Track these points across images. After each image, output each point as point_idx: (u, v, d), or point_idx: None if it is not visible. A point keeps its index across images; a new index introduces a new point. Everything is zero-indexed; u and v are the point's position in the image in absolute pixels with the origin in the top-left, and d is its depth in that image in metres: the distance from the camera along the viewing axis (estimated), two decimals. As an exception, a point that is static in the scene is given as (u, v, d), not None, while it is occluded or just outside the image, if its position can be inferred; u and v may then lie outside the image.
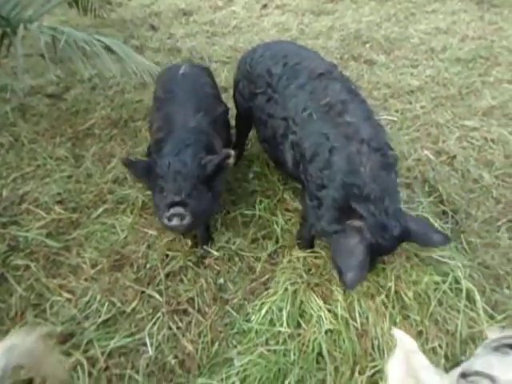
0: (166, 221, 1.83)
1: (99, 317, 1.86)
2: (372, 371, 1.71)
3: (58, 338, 1.72)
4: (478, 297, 1.95)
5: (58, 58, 3.21)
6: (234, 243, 2.22)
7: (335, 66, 2.20)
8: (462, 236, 2.31)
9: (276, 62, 2.19)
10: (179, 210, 1.81)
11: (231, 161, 1.94)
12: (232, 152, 1.92)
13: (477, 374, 0.94)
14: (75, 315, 1.86)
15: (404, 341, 1.07)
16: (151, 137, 2.23)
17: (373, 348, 1.80)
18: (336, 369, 1.73)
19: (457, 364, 1.20)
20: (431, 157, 2.85)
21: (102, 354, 1.72)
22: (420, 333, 1.86)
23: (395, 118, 3.24)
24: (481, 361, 0.99)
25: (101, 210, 2.35)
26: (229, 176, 2.57)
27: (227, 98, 3.40)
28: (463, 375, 0.96)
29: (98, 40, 2.51)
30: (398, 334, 1.09)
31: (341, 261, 1.70)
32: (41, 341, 1.29)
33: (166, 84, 2.36)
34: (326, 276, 2.06)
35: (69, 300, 1.92)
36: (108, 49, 2.53)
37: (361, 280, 1.64)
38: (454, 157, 2.86)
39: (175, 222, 1.81)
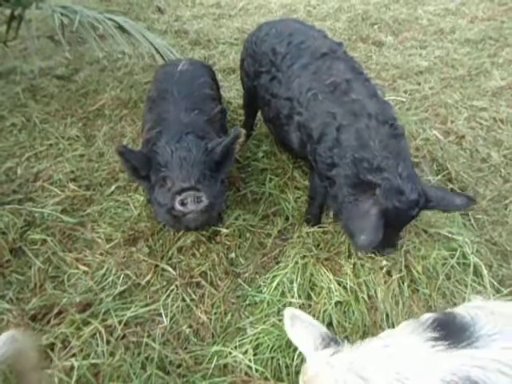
0: (178, 206, 1.62)
1: (115, 288, 1.91)
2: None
3: (77, 306, 1.77)
4: (485, 271, 1.99)
5: (66, 40, 3.22)
6: (245, 220, 2.25)
7: (340, 44, 2.18)
8: (470, 213, 2.34)
9: (281, 41, 2.19)
10: (193, 192, 1.62)
11: (242, 140, 1.80)
12: (243, 130, 1.81)
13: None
14: (92, 287, 1.91)
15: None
16: (142, 139, 2.06)
17: (382, 320, 1.85)
18: (346, 338, 1.77)
19: None
20: (440, 137, 2.86)
21: (119, 323, 1.77)
22: (429, 306, 1.90)
23: (404, 99, 3.23)
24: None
25: (113, 187, 2.39)
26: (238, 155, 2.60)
27: (235, 80, 3.43)
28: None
29: (110, 19, 2.49)
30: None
31: (353, 224, 1.71)
32: (35, 349, 1.32)
33: (160, 83, 2.22)
34: (334, 250, 2.09)
35: (85, 273, 1.97)
36: (120, 28, 2.52)
37: (373, 243, 1.62)
38: (463, 136, 2.86)
39: (190, 205, 1.62)
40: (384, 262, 2.00)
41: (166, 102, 2.03)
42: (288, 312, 1.22)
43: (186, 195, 1.62)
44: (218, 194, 1.79)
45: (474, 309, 1.07)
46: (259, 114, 2.72)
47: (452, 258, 2.04)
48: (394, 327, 1.80)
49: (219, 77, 3.30)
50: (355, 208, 1.72)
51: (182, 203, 1.63)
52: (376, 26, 4.42)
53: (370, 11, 4.70)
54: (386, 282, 1.95)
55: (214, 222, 2.06)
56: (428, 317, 1.05)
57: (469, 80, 3.53)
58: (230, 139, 1.76)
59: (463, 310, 1.07)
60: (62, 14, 2.45)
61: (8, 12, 2.81)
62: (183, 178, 1.64)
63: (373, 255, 1.99)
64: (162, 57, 2.77)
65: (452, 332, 0.96)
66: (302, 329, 1.18)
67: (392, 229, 1.72)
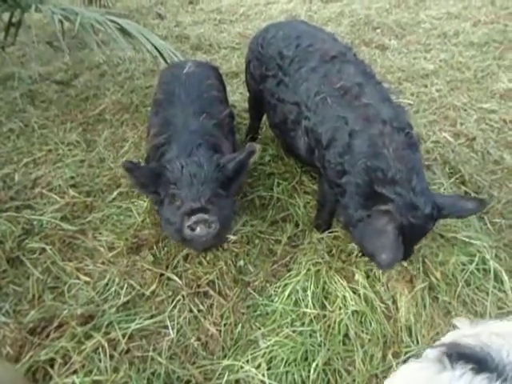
0: (187, 231, 1.53)
1: (118, 299, 1.80)
2: (408, 355, 1.64)
3: (78, 319, 1.67)
4: (505, 277, 1.90)
5: (65, 45, 3.15)
6: (252, 225, 2.16)
7: (349, 47, 2.13)
8: (485, 217, 2.25)
9: (288, 44, 2.12)
10: (203, 216, 1.52)
11: (256, 156, 1.69)
12: (258, 146, 1.70)
13: None
14: (94, 298, 1.81)
15: None
16: (148, 144, 1.97)
17: (402, 330, 1.74)
18: (365, 351, 1.67)
19: None
20: (450, 139, 2.79)
21: (123, 336, 1.66)
22: (451, 316, 1.80)
23: (411, 102, 3.17)
24: None
25: (115, 193, 2.30)
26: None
27: (238, 84, 3.36)
28: None
29: (112, 21, 2.41)
30: None
31: (372, 243, 1.63)
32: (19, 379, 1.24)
33: (166, 85, 2.13)
34: (347, 257, 2.00)
35: (87, 283, 1.87)
36: (122, 30, 2.44)
37: (396, 259, 1.56)
38: (474, 139, 2.79)
39: (200, 230, 1.52)
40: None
41: (174, 106, 1.95)
42: None
43: (196, 220, 1.52)
44: (228, 213, 1.70)
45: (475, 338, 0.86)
46: (265, 117, 2.65)
47: (471, 263, 1.95)
48: (416, 339, 1.70)
49: (222, 81, 3.24)
50: (370, 226, 1.65)
51: (192, 229, 1.53)
52: (379, 30, 4.38)
53: (371, 15, 4.67)
54: (403, 290, 1.85)
55: (223, 240, 1.95)
56: None
57: (476, 82, 3.47)
58: (245, 155, 1.67)
59: (471, 340, 0.86)
60: (62, 17, 2.36)
61: (6, 18, 2.75)
62: (193, 198, 1.54)
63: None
64: (164, 60, 2.69)
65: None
66: None
67: (407, 244, 1.63)
